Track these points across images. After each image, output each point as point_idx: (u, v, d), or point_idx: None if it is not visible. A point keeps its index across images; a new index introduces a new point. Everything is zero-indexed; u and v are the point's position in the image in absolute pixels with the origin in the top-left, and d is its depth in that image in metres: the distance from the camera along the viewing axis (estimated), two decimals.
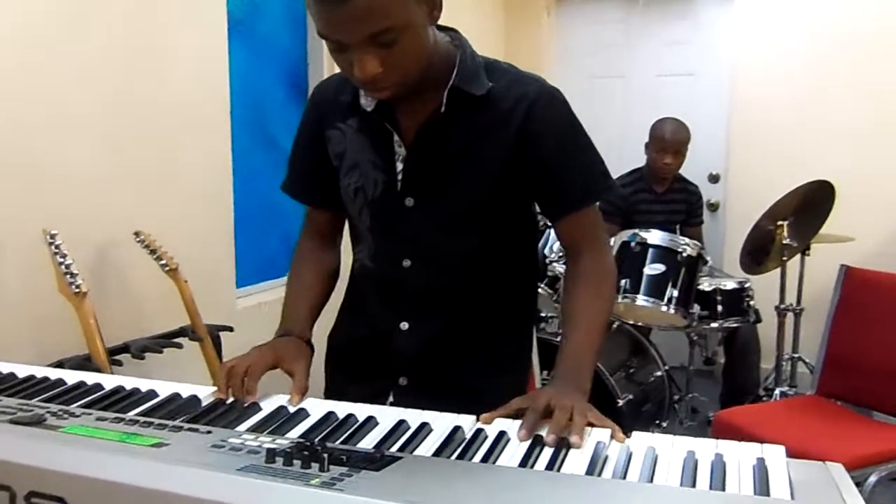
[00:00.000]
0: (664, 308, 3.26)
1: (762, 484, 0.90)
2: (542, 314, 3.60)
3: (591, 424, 1.14)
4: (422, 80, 1.31)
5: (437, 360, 1.45)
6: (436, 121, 1.38)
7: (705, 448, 1.02)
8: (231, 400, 1.26)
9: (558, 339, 3.15)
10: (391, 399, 1.45)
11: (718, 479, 0.93)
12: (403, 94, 1.31)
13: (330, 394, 1.55)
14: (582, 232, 1.45)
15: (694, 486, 0.92)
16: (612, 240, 3.44)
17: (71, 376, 1.36)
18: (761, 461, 0.96)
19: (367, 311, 1.53)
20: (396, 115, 1.39)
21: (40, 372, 1.38)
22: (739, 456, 0.99)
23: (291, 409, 1.22)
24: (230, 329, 2.64)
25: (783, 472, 0.93)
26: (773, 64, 4.55)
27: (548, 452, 1.04)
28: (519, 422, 1.14)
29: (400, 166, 1.41)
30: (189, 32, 2.70)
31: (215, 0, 2.84)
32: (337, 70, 1.36)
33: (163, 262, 2.40)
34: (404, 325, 1.47)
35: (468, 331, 1.46)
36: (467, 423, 1.15)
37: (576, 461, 1.02)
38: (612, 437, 1.10)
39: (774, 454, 0.98)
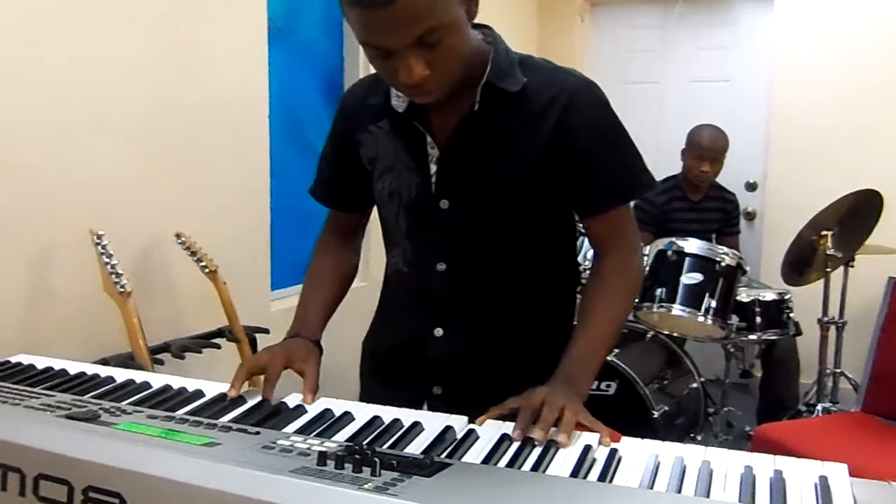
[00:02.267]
0: (701, 318, 3.22)
1: (826, 503, 0.88)
2: (575, 323, 3.57)
3: (581, 426, 1.14)
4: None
5: (472, 368, 1.43)
6: (469, 119, 1.35)
7: (763, 464, 0.99)
8: (279, 401, 1.27)
9: None
10: (425, 408, 1.43)
11: (779, 496, 0.90)
12: (446, 97, 1.29)
13: (365, 400, 1.54)
14: (614, 230, 1.42)
15: (754, 503, 0.90)
16: (648, 248, 3.41)
17: (119, 374, 1.38)
18: (823, 479, 0.94)
19: (402, 317, 1.52)
20: (428, 115, 1.37)
21: (90, 369, 1.40)
22: (799, 473, 0.96)
23: (337, 413, 1.22)
24: (266, 331, 2.65)
25: (847, 491, 0.91)
26: (813, 68, 4.47)
27: (600, 463, 1.03)
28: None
29: (434, 168, 1.38)
30: (230, 39, 2.72)
31: (256, 8, 2.86)
32: (372, 72, 1.34)
33: (202, 263, 2.42)
34: (438, 332, 1.45)
35: (504, 338, 1.44)
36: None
37: (629, 473, 1.00)
38: (601, 441, 1.10)
39: (837, 472, 0.95)
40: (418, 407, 1.42)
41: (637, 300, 3.36)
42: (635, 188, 1.43)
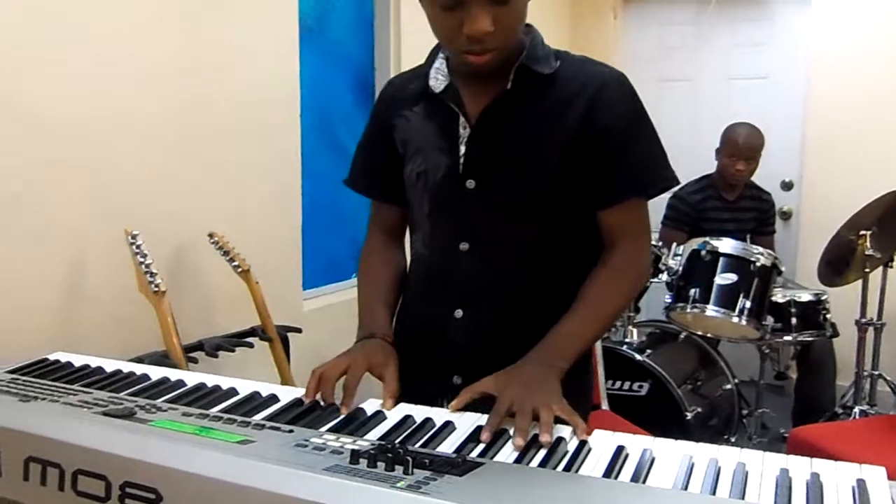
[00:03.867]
0: (735, 319, 3.17)
1: None
2: None
3: (559, 419, 1.13)
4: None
5: (492, 357, 1.36)
6: (502, 99, 1.38)
7: (799, 466, 0.98)
8: (312, 401, 1.27)
9: (623, 347, 3.19)
10: (446, 402, 1.36)
11: (816, 499, 0.89)
12: (494, 66, 1.33)
13: None
14: (627, 224, 1.41)
15: None
16: (682, 248, 3.38)
17: (154, 372, 1.40)
18: (861, 483, 0.92)
19: (422, 301, 1.52)
20: (463, 98, 1.40)
21: (125, 367, 1.42)
22: (836, 476, 0.95)
23: (369, 412, 1.22)
24: (298, 330, 2.66)
25: (885, 494, 0.90)
26: (852, 66, 4.38)
27: (632, 463, 1.02)
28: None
29: (463, 149, 1.40)
30: (262, 38, 2.74)
31: (288, 7, 2.88)
32: (403, 70, 1.38)
33: (235, 263, 2.44)
34: (458, 313, 1.44)
35: (526, 324, 1.40)
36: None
37: (663, 474, 0.99)
38: (576, 434, 1.10)
39: (875, 476, 0.94)
40: (440, 400, 1.38)
41: (670, 300, 3.34)
42: (655, 183, 1.42)
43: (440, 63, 1.45)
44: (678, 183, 1.47)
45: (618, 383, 3.22)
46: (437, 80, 1.43)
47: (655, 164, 1.42)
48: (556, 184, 1.38)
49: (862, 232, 3.26)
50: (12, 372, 1.37)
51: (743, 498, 0.91)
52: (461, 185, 1.41)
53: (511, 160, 1.39)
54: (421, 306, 1.52)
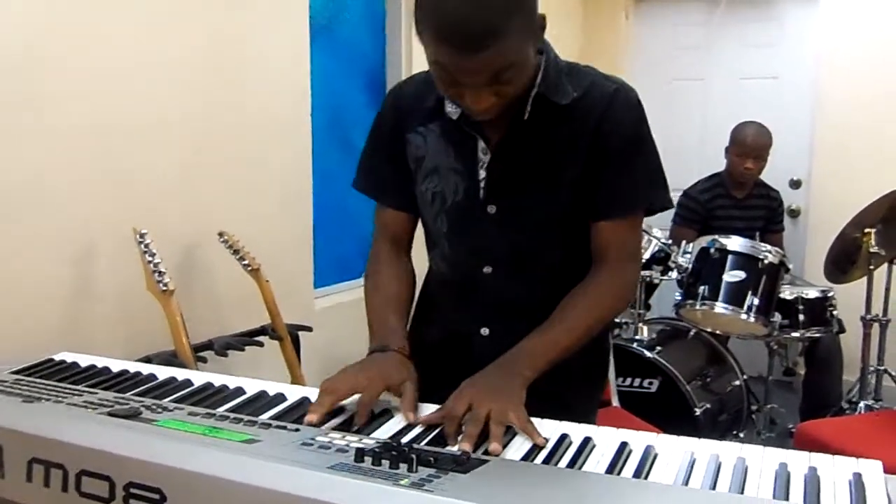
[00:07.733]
0: (744, 316, 3.19)
1: (859, 500, 0.88)
2: (617, 320, 3.54)
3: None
4: None
5: None
6: (519, 127, 1.37)
7: (797, 461, 0.99)
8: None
9: (634, 344, 3.20)
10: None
11: (813, 493, 0.90)
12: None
13: None
14: (617, 241, 1.40)
15: (787, 500, 0.90)
16: (691, 246, 3.39)
17: (161, 372, 1.41)
18: (857, 476, 0.93)
19: (444, 316, 1.52)
20: (481, 122, 1.38)
21: (132, 367, 1.43)
22: (834, 470, 0.96)
23: (376, 410, 1.23)
24: (309, 329, 2.67)
25: (881, 488, 0.90)
26: (860, 66, 4.39)
27: (635, 459, 1.03)
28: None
29: (483, 174, 1.40)
30: (273, 38, 2.74)
31: (299, 6, 2.88)
32: (415, 71, 1.34)
33: (245, 262, 2.45)
34: (485, 331, 1.46)
35: None
36: (550, 429, 1.15)
37: (665, 470, 1.00)
38: (535, 443, 1.10)
39: (871, 469, 0.95)
40: None
41: (679, 298, 3.35)
42: (646, 203, 1.43)
43: None
44: (672, 206, 1.49)
45: (628, 380, 3.24)
46: (453, 105, 1.40)
47: (650, 184, 1.42)
48: (575, 205, 1.39)
49: (866, 230, 3.27)
50: (17, 372, 1.38)
51: (742, 492, 0.92)
52: (482, 210, 1.41)
53: (532, 186, 1.39)
54: (445, 321, 1.52)
